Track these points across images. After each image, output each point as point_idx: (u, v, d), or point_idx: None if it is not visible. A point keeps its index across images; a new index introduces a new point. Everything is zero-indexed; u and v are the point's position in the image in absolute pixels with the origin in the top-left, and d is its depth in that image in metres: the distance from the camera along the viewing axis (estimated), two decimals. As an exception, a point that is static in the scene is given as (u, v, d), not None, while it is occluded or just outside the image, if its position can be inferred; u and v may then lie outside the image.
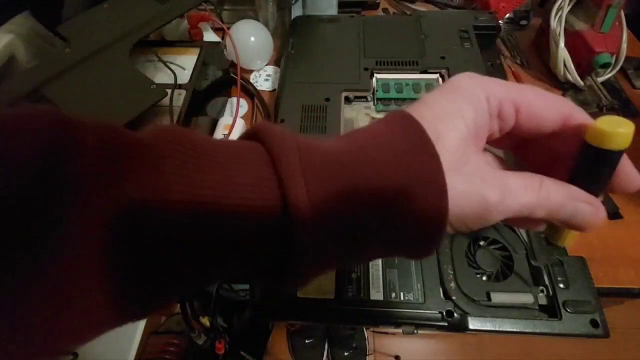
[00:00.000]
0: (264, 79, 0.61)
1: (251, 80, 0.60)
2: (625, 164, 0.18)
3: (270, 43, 0.61)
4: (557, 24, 0.55)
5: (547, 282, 0.35)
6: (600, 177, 0.18)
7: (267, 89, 0.60)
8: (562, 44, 0.55)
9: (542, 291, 0.34)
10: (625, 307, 0.64)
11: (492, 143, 0.21)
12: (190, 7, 0.52)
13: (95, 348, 0.56)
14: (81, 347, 0.14)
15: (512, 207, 0.17)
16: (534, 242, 0.37)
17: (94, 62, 0.44)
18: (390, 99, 0.47)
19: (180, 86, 0.48)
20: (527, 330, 0.33)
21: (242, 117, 0.54)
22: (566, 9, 0.56)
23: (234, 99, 0.56)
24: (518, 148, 0.21)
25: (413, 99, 0.47)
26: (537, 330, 0.32)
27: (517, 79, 0.60)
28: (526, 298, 0.34)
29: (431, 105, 0.18)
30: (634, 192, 0.18)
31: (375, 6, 0.71)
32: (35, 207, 0.12)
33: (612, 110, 0.54)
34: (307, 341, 1.06)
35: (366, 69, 0.50)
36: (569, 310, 0.33)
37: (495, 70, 0.55)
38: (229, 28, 0.58)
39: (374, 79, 0.49)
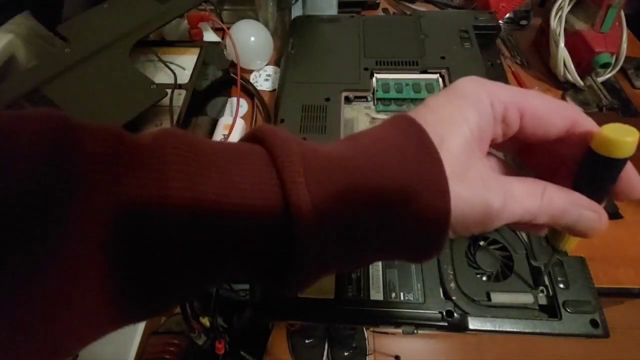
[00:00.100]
0: (264, 79, 0.61)
1: (251, 80, 0.60)
2: (629, 171, 0.18)
3: (270, 43, 0.61)
4: (557, 24, 0.55)
5: (547, 282, 0.35)
6: (604, 183, 0.18)
7: (267, 89, 0.60)
8: (562, 44, 0.55)
9: (542, 291, 0.34)
10: (625, 307, 0.64)
11: (496, 146, 0.21)
12: (190, 7, 0.52)
13: (95, 348, 0.56)
14: (82, 349, 0.14)
15: (514, 212, 0.17)
16: (534, 242, 0.37)
17: (94, 62, 0.44)
18: (390, 99, 0.47)
19: (180, 86, 0.48)
20: (527, 330, 0.33)
21: (242, 117, 0.54)
22: (566, 9, 0.56)
23: (234, 99, 0.56)
24: (522, 152, 0.21)
25: (413, 99, 0.47)
26: (537, 330, 0.32)
27: (517, 79, 0.60)
28: (526, 298, 0.34)
29: (435, 109, 0.18)
30: (637, 199, 0.18)
31: (375, 6, 0.71)
32: (36, 207, 0.12)
33: (612, 110, 0.54)
34: (307, 341, 1.06)
35: (366, 69, 0.50)
36: (569, 310, 0.33)
37: (495, 70, 0.55)
38: (229, 28, 0.58)
39: (374, 79, 0.49)
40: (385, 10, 0.72)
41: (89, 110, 0.41)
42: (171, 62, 0.50)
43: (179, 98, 0.47)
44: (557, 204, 0.17)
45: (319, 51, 0.53)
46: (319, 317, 0.36)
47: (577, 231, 0.18)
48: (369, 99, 0.48)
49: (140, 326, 0.64)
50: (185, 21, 0.58)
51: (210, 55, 0.53)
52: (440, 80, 0.49)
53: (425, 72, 0.49)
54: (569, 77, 0.56)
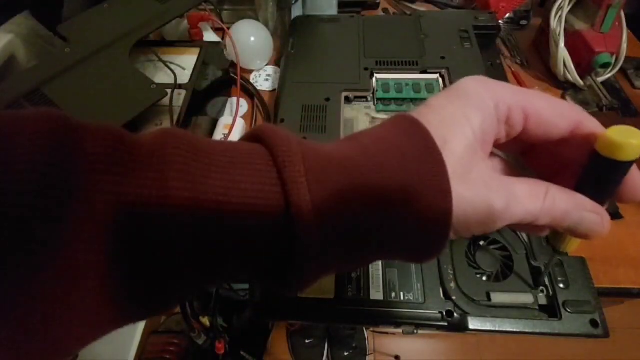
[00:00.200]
0: (264, 79, 0.61)
1: (251, 80, 0.60)
2: (634, 174, 0.17)
3: (270, 43, 0.61)
4: (557, 24, 0.55)
5: (547, 282, 0.35)
6: (608, 186, 0.18)
7: (267, 89, 0.60)
8: (562, 44, 0.55)
9: (542, 291, 0.34)
10: (625, 307, 0.64)
11: (499, 147, 0.21)
12: (190, 7, 0.52)
13: (95, 348, 0.56)
14: (82, 349, 0.14)
15: (517, 214, 0.17)
16: (534, 242, 0.37)
17: (94, 62, 0.44)
18: (390, 99, 0.47)
19: (180, 86, 0.48)
20: (527, 330, 0.33)
21: (242, 117, 0.54)
22: (566, 9, 0.56)
23: (234, 99, 0.56)
24: (525, 153, 0.21)
25: (413, 99, 0.47)
26: (537, 330, 0.32)
27: (517, 79, 0.60)
28: (526, 298, 0.34)
29: (438, 110, 0.18)
30: None
31: (375, 6, 0.71)
32: (36, 207, 0.12)
33: (612, 110, 0.54)
34: (307, 341, 1.06)
35: (366, 69, 0.50)
36: (569, 310, 0.33)
37: (495, 70, 0.55)
38: (229, 28, 0.58)
39: (374, 79, 0.49)
40: (385, 10, 0.72)
41: (89, 110, 0.41)
42: (171, 62, 0.50)
43: (179, 98, 0.47)
44: (559, 206, 0.17)
45: (319, 51, 0.53)
46: (319, 317, 0.36)
47: (579, 233, 0.18)
48: (369, 99, 0.48)
49: (140, 326, 0.64)
50: (185, 21, 0.58)
51: (210, 55, 0.53)
52: (440, 80, 0.49)
53: (425, 72, 0.49)
54: (569, 77, 0.56)
